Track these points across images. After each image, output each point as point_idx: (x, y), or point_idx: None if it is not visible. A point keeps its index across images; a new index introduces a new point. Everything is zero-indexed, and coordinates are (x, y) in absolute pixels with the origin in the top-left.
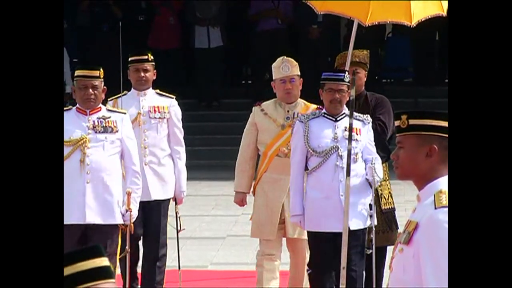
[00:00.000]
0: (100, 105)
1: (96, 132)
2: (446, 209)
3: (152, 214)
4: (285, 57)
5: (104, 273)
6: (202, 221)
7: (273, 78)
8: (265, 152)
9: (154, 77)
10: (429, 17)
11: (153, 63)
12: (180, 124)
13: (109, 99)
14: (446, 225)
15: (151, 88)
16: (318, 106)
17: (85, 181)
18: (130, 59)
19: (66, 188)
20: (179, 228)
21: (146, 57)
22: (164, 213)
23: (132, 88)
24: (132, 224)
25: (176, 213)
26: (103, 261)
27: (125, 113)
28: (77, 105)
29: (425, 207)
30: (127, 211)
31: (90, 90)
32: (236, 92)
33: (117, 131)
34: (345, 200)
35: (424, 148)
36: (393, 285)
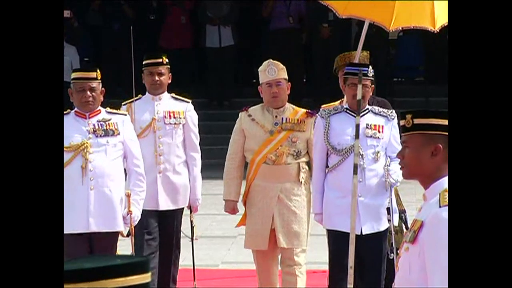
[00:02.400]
0: (100, 107)
1: (97, 136)
2: None
3: (167, 224)
4: (271, 60)
5: None
6: (213, 220)
7: (260, 82)
8: (253, 159)
9: (169, 81)
10: None
11: (168, 66)
12: (196, 130)
13: (123, 104)
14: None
15: (166, 92)
16: (307, 111)
17: (89, 188)
18: (144, 62)
19: (69, 196)
20: (194, 237)
21: (161, 60)
22: (178, 222)
23: (146, 92)
24: (133, 227)
25: (191, 222)
26: (148, 277)
27: (125, 115)
28: (75, 108)
29: (430, 206)
30: (128, 213)
31: (88, 92)
32: (247, 92)
33: (118, 134)
34: (352, 200)
35: (429, 147)
36: (400, 285)
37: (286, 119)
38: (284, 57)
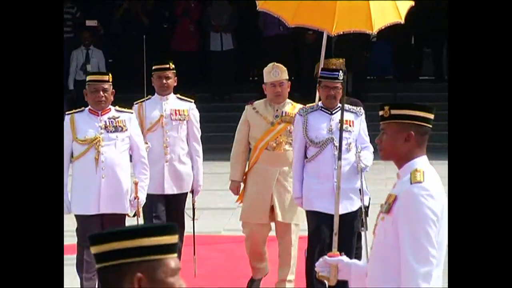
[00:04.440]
0: (110, 106)
1: (108, 132)
2: (420, 184)
3: (172, 207)
4: (275, 63)
5: (173, 249)
6: (216, 195)
7: (264, 81)
8: (256, 145)
9: (175, 84)
10: (388, 25)
11: (174, 71)
12: (198, 125)
13: (134, 103)
14: (420, 197)
15: (172, 93)
16: (304, 106)
17: (101, 177)
18: (153, 67)
19: (82, 182)
20: (195, 217)
21: (168, 66)
22: (182, 204)
23: (155, 93)
24: (139, 210)
25: (193, 204)
26: (174, 239)
27: (132, 113)
28: (89, 106)
29: (403, 183)
30: (135, 198)
31: (101, 92)
32: (245, 87)
33: (126, 130)
34: (337, 175)
35: (403, 134)
36: (377, 248)
37: (286, 113)
38: (276, 59)
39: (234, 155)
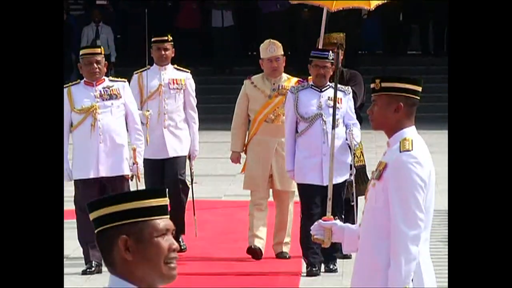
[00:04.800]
0: (104, 77)
1: (103, 100)
2: (409, 152)
3: (171, 167)
4: (271, 40)
5: (161, 211)
6: (218, 162)
7: (261, 57)
8: (255, 118)
9: (173, 55)
10: (385, 1)
11: (172, 43)
12: (194, 94)
13: (134, 72)
14: (409, 165)
15: (170, 64)
16: (299, 79)
17: (98, 142)
18: (152, 39)
19: (81, 149)
20: (193, 180)
21: (166, 38)
22: (181, 166)
23: (154, 64)
24: (139, 175)
25: (190, 168)
26: (163, 201)
27: (125, 81)
28: (84, 78)
29: (392, 151)
30: (134, 164)
31: (95, 65)
32: (244, 61)
33: (120, 97)
34: (331, 145)
35: (393, 105)
36: (368, 212)
37: (282, 86)
38: (273, 35)
39: (235, 127)
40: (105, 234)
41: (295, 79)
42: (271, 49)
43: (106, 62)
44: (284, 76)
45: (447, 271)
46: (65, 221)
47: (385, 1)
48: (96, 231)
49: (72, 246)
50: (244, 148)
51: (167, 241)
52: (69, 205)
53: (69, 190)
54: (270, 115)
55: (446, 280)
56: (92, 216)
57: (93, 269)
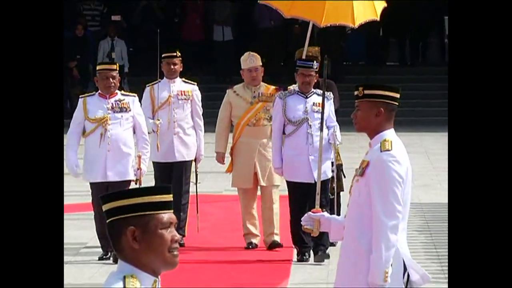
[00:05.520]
0: (116, 90)
1: (114, 112)
2: (389, 152)
3: (179, 170)
4: (250, 52)
5: (166, 206)
6: None
7: (242, 67)
8: (239, 122)
9: (181, 69)
10: (367, 21)
11: (180, 58)
12: (200, 104)
13: (147, 85)
14: (389, 163)
15: (178, 77)
16: (276, 87)
17: (107, 150)
18: (163, 55)
19: (91, 155)
20: (197, 181)
21: (175, 53)
22: (187, 170)
23: (164, 77)
24: (141, 179)
25: (196, 170)
26: (168, 197)
27: (135, 96)
28: (99, 91)
29: (374, 151)
30: (138, 169)
31: (110, 79)
32: None
33: (130, 110)
34: (320, 144)
35: (374, 110)
36: (352, 206)
37: (262, 93)
38: (268, 48)
39: (219, 131)
40: (115, 224)
41: (272, 87)
42: (251, 60)
43: (119, 77)
44: (263, 84)
45: (424, 258)
46: (83, 213)
47: (368, 21)
48: (107, 221)
49: (89, 235)
50: (230, 151)
51: (170, 232)
52: (88, 198)
53: (86, 185)
54: (252, 119)
55: (423, 265)
56: (104, 208)
57: (108, 255)
